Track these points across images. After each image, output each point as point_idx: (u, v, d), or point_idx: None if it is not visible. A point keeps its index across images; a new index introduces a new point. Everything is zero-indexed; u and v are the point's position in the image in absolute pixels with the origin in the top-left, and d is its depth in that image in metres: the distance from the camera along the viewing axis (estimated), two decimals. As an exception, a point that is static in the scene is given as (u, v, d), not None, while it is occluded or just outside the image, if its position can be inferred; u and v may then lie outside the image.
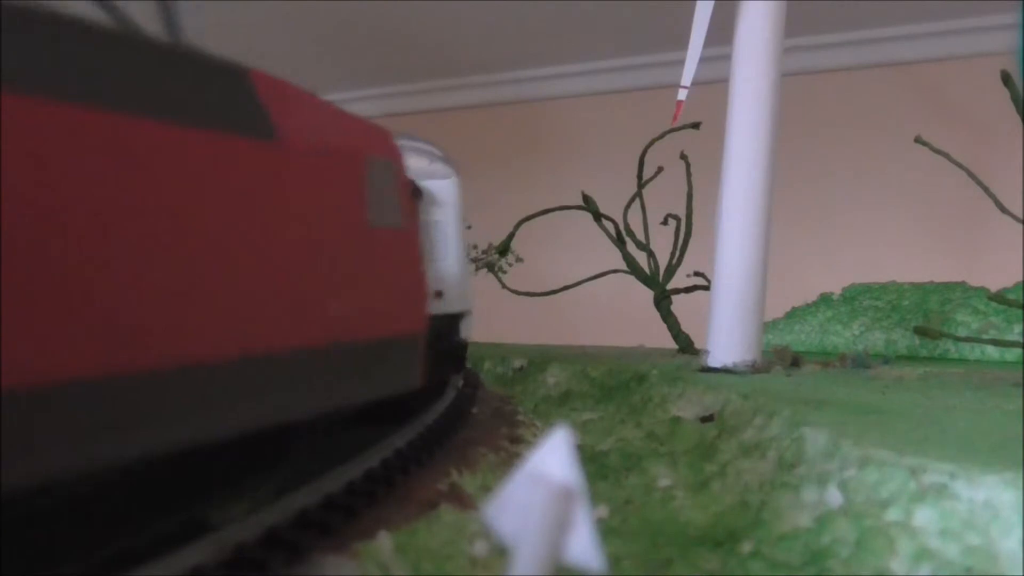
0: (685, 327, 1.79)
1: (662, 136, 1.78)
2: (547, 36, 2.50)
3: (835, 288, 2.22)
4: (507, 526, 0.47)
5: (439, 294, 1.03)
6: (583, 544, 0.46)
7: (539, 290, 1.96)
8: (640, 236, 1.84)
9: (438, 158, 1.15)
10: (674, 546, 0.82)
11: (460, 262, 1.15)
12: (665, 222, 1.83)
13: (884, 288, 2.14)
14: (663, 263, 1.82)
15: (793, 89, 1.65)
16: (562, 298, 1.96)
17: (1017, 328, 1.83)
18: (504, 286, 1.97)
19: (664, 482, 1.00)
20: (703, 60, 1.40)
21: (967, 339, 1.71)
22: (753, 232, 1.41)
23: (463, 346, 1.34)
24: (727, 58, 1.43)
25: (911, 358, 1.89)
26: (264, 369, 0.53)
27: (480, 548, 0.71)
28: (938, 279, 2.08)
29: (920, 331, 1.60)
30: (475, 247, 1.90)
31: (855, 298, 2.15)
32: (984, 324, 1.88)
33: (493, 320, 1.83)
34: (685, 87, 1.43)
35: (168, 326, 0.44)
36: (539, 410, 1.42)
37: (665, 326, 1.81)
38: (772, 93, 1.40)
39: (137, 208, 0.43)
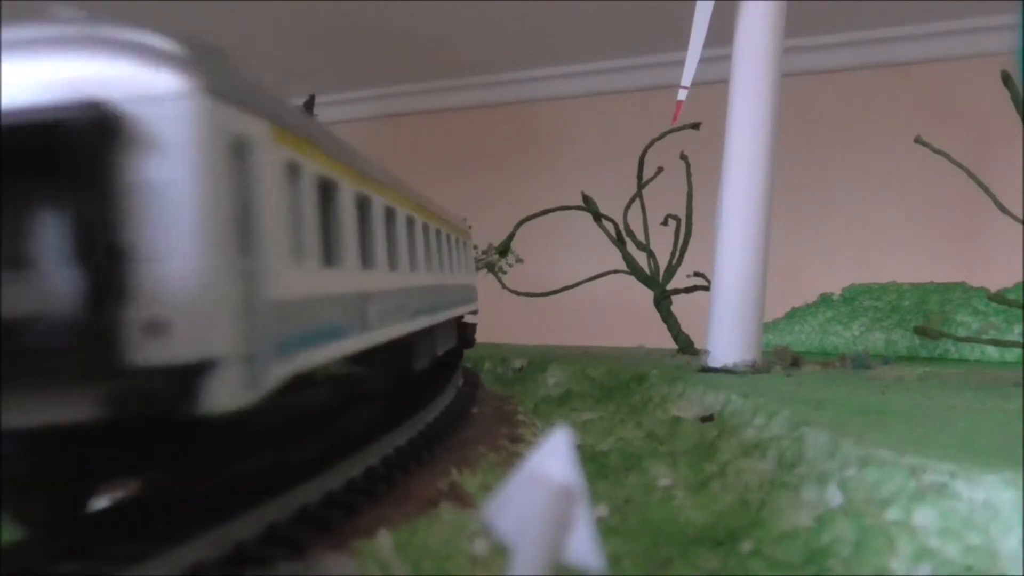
0: (685, 327, 1.79)
1: (662, 136, 1.78)
2: (547, 36, 2.50)
3: (835, 288, 2.21)
4: (507, 526, 0.47)
5: (152, 328, 0.48)
6: (583, 543, 0.46)
7: (539, 290, 1.96)
8: (640, 236, 1.84)
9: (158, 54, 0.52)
10: (674, 545, 0.82)
11: (219, 259, 0.52)
12: (665, 222, 1.83)
13: (884, 288, 2.14)
14: (663, 263, 1.82)
15: (793, 89, 1.65)
16: (562, 298, 1.96)
17: (1017, 328, 1.83)
18: (504, 287, 1.97)
19: (664, 482, 1.00)
20: (703, 60, 1.40)
21: (967, 339, 1.71)
22: (753, 232, 1.41)
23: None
24: (727, 58, 1.43)
25: (911, 358, 1.89)
26: None
27: (480, 547, 0.71)
28: (938, 279, 2.08)
29: (920, 331, 1.60)
30: (475, 247, 1.91)
31: (855, 298, 2.15)
32: (984, 324, 1.88)
33: (493, 321, 1.83)
34: (685, 87, 1.43)
35: None
36: (539, 410, 1.42)
37: (665, 326, 1.81)
38: (772, 93, 1.40)
39: None
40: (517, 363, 1.68)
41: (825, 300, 2.20)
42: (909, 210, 2.41)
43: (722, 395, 1.13)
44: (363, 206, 0.82)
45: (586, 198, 1.87)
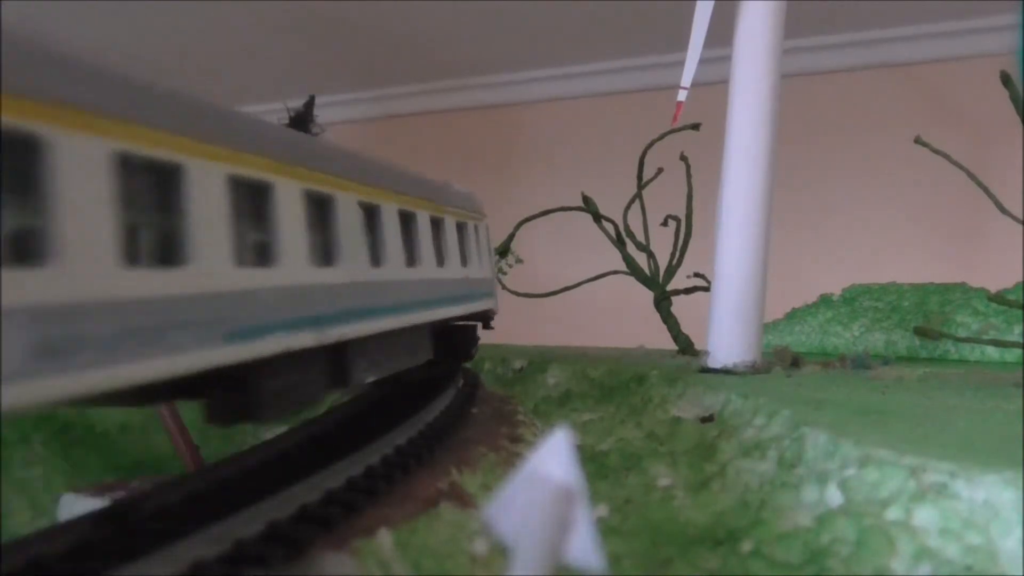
0: (685, 328, 1.79)
1: (662, 137, 1.78)
2: (547, 37, 2.50)
3: (835, 289, 2.21)
4: (508, 526, 0.47)
5: None
6: (583, 544, 0.46)
7: (539, 291, 1.96)
8: (640, 237, 1.84)
9: None
10: (674, 545, 0.82)
11: None
12: (665, 223, 1.83)
13: (884, 289, 2.14)
14: (663, 264, 1.82)
15: (793, 90, 1.65)
16: (562, 299, 1.96)
17: (1017, 329, 1.83)
18: (504, 287, 1.97)
19: (664, 482, 1.00)
20: (703, 61, 1.40)
21: (967, 340, 1.71)
22: (753, 233, 1.41)
23: None
24: (727, 59, 1.43)
25: (911, 359, 1.89)
26: None
27: (480, 546, 0.71)
28: (938, 280, 2.08)
29: (920, 332, 1.60)
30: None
31: (855, 299, 2.15)
32: (984, 325, 1.88)
33: (493, 321, 1.83)
34: (685, 88, 1.43)
35: None
36: (539, 410, 1.42)
37: (665, 327, 1.81)
38: (772, 94, 1.40)
39: None
40: (517, 364, 1.68)
41: (825, 301, 2.20)
42: (909, 210, 2.41)
43: (722, 395, 1.13)
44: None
45: (586, 199, 1.87)
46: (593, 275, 1.90)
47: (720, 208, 1.44)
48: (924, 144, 1.51)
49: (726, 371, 1.39)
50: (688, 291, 1.79)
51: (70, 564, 0.61)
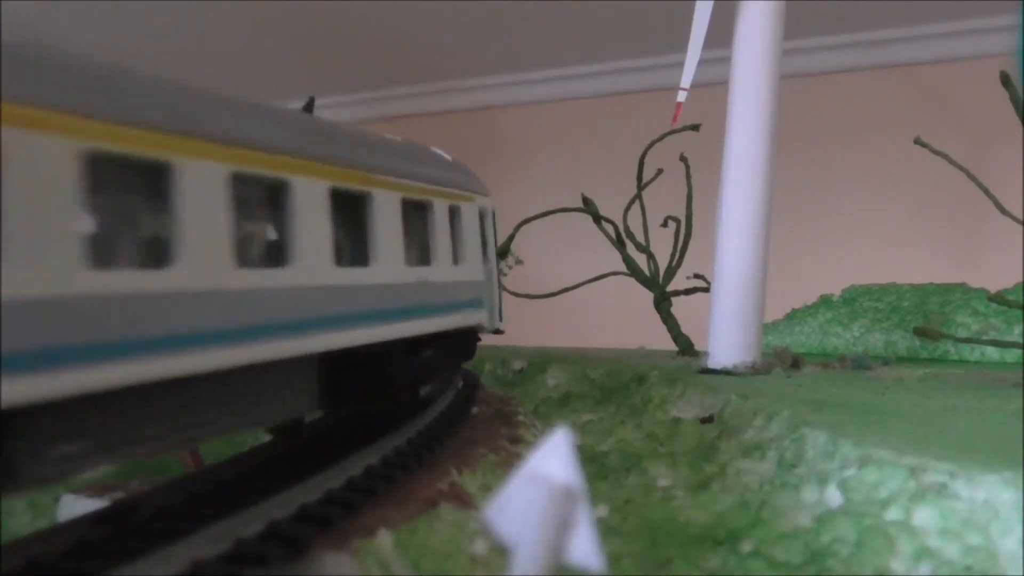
0: (685, 329, 1.79)
1: (662, 138, 1.78)
2: (547, 38, 2.50)
3: (835, 290, 2.21)
4: (508, 526, 0.48)
5: None
6: (583, 544, 0.46)
7: (539, 292, 1.96)
8: (640, 238, 1.84)
9: None
10: (674, 545, 0.82)
11: None
12: (665, 224, 1.83)
13: (884, 289, 2.14)
14: (663, 265, 1.82)
15: (793, 90, 1.65)
16: (562, 300, 1.96)
17: (1017, 329, 1.83)
18: (504, 288, 1.97)
19: (664, 482, 1.00)
20: (702, 62, 1.40)
21: (967, 340, 1.71)
22: (753, 234, 1.41)
23: None
24: (727, 60, 1.43)
25: (911, 359, 1.89)
26: None
27: (480, 547, 0.71)
28: (938, 280, 2.08)
29: (920, 332, 1.60)
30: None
31: (855, 299, 2.15)
32: (984, 325, 1.88)
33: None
34: (684, 89, 1.43)
35: None
36: (539, 411, 1.42)
37: (665, 328, 1.81)
38: (772, 94, 1.40)
39: None
40: (517, 365, 1.68)
41: (825, 301, 2.20)
42: (909, 211, 2.41)
43: (722, 396, 1.13)
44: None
45: (586, 200, 1.88)
46: (593, 276, 1.90)
47: (720, 209, 1.44)
48: (924, 145, 1.51)
49: (726, 372, 1.39)
50: (688, 292, 1.79)
51: (70, 564, 0.61)
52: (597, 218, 1.86)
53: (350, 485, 0.77)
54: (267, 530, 0.64)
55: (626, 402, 1.32)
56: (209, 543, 0.63)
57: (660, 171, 1.81)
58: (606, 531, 0.85)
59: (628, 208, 1.84)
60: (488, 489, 0.86)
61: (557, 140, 2.85)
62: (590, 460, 1.12)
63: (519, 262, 1.99)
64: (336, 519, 0.67)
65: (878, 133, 2.42)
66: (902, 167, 2.34)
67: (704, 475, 0.98)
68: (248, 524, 0.67)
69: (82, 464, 0.55)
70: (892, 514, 0.74)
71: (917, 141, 1.52)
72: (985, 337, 1.76)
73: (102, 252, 0.54)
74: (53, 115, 0.51)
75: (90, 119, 0.54)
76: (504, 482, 0.48)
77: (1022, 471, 0.70)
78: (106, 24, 2.25)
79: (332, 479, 0.79)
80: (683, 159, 1.80)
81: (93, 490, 0.98)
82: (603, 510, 0.92)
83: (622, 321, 2.22)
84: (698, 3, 1.38)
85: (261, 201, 0.71)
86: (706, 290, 1.67)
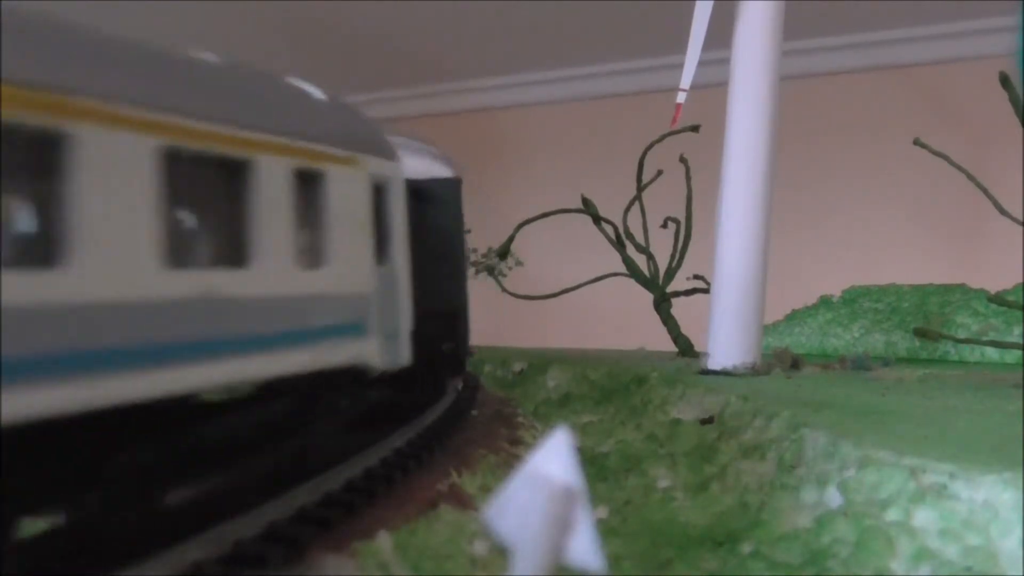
0: (685, 330, 1.79)
1: (661, 139, 1.78)
2: (546, 40, 2.50)
3: (835, 290, 2.21)
4: (508, 527, 0.48)
5: None
6: (583, 545, 0.46)
7: (539, 293, 1.96)
8: (640, 239, 1.84)
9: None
10: (674, 546, 0.82)
11: None
12: (665, 225, 1.83)
13: (884, 290, 2.14)
14: (663, 266, 1.82)
15: (792, 91, 1.65)
16: (562, 301, 1.96)
17: (1017, 330, 1.83)
18: (504, 290, 1.97)
19: (664, 483, 1.00)
20: (702, 63, 1.40)
21: (967, 341, 1.71)
22: (753, 235, 1.41)
23: None
24: (726, 61, 1.43)
25: (911, 360, 1.89)
26: None
27: (480, 548, 0.71)
28: (938, 281, 2.08)
29: (920, 333, 1.60)
30: (475, 251, 1.90)
31: (855, 300, 2.15)
32: (984, 326, 1.88)
33: (493, 323, 1.83)
34: (684, 90, 1.43)
35: None
36: (539, 412, 1.42)
37: (665, 329, 1.81)
38: (771, 95, 1.40)
39: None
40: (517, 366, 1.68)
41: (825, 302, 2.20)
42: (909, 211, 2.40)
43: (722, 397, 1.13)
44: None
45: (586, 201, 1.88)
46: (593, 277, 1.90)
47: (720, 210, 1.45)
48: (924, 146, 1.51)
49: (726, 373, 1.39)
50: (688, 293, 1.80)
51: (70, 564, 0.61)
52: (597, 219, 1.86)
53: (349, 486, 0.77)
54: (267, 531, 0.64)
55: (626, 403, 1.32)
56: (209, 544, 0.63)
57: (660, 172, 1.81)
58: (606, 532, 0.85)
59: (628, 209, 1.84)
60: (488, 490, 0.86)
61: (557, 141, 2.85)
62: (590, 461, 1.12)
63: (519, 263, 1.99)
64: (335, 520, 0.67)
65: (878, 134, 2.41)
66: (902, 167, 2.33)
67: (704, 476, 0.98)
68: (248, 525, 0.67)
69: None
70: (892, 515, 0.74)
71: (917, 142, 1.52)
72: (985, 338, 1.76)
73: None
74: None
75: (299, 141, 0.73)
76: (504, 483, 0.48)
77: (1022, 471, 0.70)
78: (106, 24, 2.25)
79: (331, 480, 0.79)
80: (683, 160, 1.81)
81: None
82: (603, 511, 0.92)
83: (622, 322, 2.22)
84: (698, 4, 1.39)
85: None
86: (706, 291, 1.67)
